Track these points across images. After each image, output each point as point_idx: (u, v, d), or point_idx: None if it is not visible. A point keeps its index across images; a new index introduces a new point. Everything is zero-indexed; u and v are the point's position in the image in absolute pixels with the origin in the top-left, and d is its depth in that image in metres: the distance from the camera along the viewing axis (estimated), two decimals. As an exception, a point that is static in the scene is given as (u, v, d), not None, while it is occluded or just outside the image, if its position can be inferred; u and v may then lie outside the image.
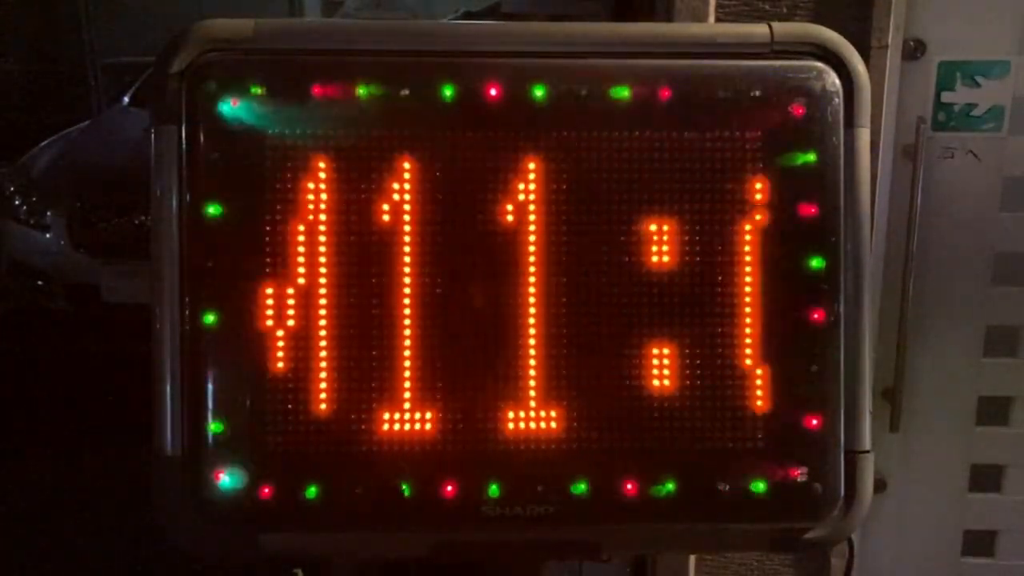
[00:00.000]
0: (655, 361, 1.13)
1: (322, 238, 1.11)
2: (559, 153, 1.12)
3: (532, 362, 1.12)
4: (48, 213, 4.37)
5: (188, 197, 1.11)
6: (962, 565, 1.92)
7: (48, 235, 4.35)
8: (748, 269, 1.13)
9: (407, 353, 1.12)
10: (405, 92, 1.10)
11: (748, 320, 1.13)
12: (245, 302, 1.11)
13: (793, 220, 1.13)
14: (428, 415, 1.12)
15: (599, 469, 1.12)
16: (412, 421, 1.12)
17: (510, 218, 1.12)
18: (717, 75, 1.13)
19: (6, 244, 4.47)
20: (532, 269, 1.12)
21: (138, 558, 2.73)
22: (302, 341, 1.11)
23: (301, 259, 1.11)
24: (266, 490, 1.10)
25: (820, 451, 1.14)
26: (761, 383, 1.14)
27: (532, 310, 1.12)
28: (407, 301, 1.11)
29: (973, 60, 1.67)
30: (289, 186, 1.11)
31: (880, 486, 1.80)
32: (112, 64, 9.09)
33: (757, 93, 1.12)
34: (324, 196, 1.11)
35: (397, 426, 1.12)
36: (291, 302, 1.11)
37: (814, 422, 1.14)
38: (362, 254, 1.12)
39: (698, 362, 1.14)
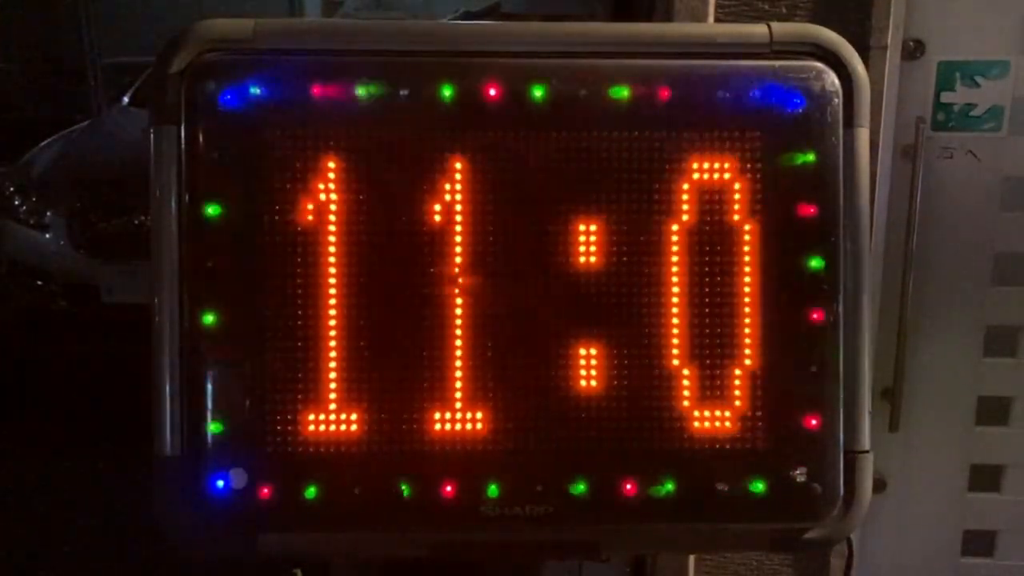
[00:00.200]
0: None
1: (322, 238, 1.11)
2: (561, 154, 1.12)
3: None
4: (48, 213, 4.37)
5: (188, 197, 1.10)
6: (962, 565, 1.92)
7: (48, 235, 4.35)
8: (748, 269, 1.13)
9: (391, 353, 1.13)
10: (404, 92, 1.10)
11: (748, 320, 1.13)
12: (244, 302, 1.11)
13: (792, 220, 1.13)
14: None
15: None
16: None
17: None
18: (716, 75, 1.13)
19: (6, 244, 4.46)
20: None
21: (138, 558, 2.73)
22: (301, 341, 1.11)
23: (300, 259, 1.11)
24: (265, 490, 1.10)
25: (819, 451, 1.14)
26: (761, 383, 1.14)
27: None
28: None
29: (972, 60, 1.67)
30: (288, 186, 1.11)
31: (880, 486, 1.81)
32: (112, 64, 9.09)
33: (756, 93, 1.12)
34: (323, 196, 1.11)
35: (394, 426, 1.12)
36: (291, 302, 1.11)
37: (813, 422, 1.14)
38: (363, 255, 1.12)
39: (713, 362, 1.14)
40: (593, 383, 1.13)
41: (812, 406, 1.14)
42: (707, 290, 1.13)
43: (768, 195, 1.13)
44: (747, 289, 1.13)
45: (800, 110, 1.12)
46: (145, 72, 4.87)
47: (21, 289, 4.48)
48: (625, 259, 1.13)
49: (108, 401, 3.65)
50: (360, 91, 1.10)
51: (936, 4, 1.65)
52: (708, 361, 1.14)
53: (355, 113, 1.11)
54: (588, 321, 1.13)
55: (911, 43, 1.66)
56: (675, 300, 1.13)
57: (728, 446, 1.14)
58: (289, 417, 1.11)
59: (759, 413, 1.14)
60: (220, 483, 1.10)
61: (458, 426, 1.13)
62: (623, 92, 1.11)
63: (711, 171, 1.13)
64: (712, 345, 1.14)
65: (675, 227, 1.13)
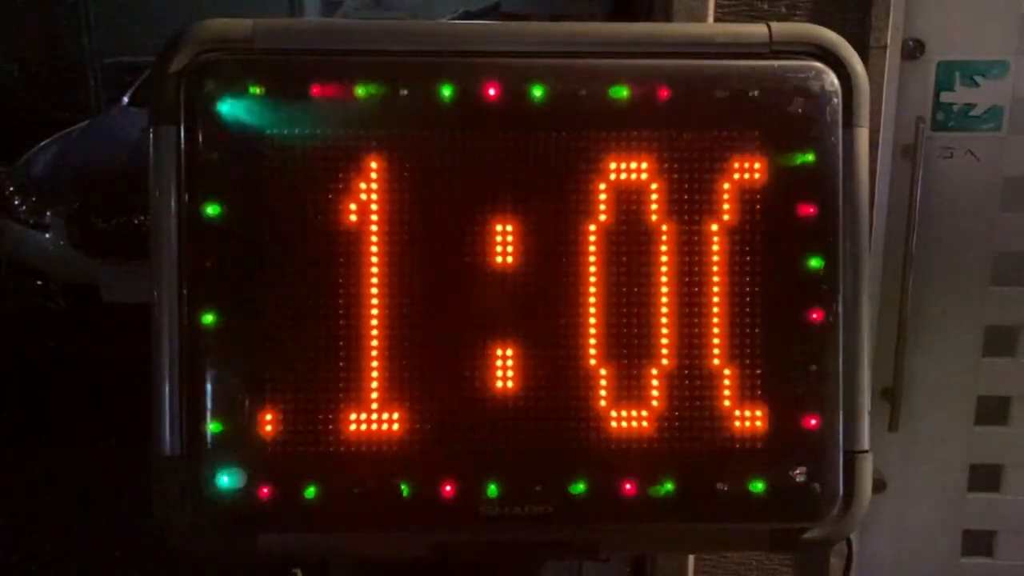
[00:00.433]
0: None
1: (322, 237, 1.11)
2: (557, 154, 1.12)
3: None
4: (47, 213, 4.37)
5: (187, 197, 1.10)
6: (961, 565, 1.92)
7: (47, 235, 4.35)
8: (747, 269, 1.13)
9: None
10: (404, 92, 1.10)
11: (747, 320, 1.14)
12: (244, 302, 1.11)
13: (792, 220, 1.13)
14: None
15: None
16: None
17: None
18: (716, 75, 1.13)
19: (6, 244, 4.46)
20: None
21: (137, 558, 2.74)
22: (301, 341, 1.11)
23: (299, 259, 1.11)
24: (265, 490, 1.10)
25: (819, 451, 1.14)
26: (762, 383, 1.14)
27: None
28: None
29: (972, 60, 1.67)
30: (288, 186, 1.11)
31: (879, 486, 1.81)
32: (112, 64, 9.09)
33: (756, 93, 1.12)
34: (323, 196, 1.11)
35: (387, 426, 1.12)
36: (291, 302, 1.11)
37: (813, 422, 1.14)
38: (367, 254, 1.12)
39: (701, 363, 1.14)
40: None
41: (811, 406, 1.14)
42: (696, 289, 1.14)
43: (768, 195, 1.13)
44: (758, 289, 1.13)
45: (799, 110, 1.12)
46: (145, 72, 4.88)
47: (20, 289, 4.48)
48: (625, 259, 1.13)
49: (108, 401, 3.66)
50: (359, 91, 1.10)
51: (936, 4, 1.65)
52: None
53: (354, 113, 1.11)
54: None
55: (911, 43, 1.66)
56: (671, 299, 1.14)
57: (727, 446, 1.14)
58: (288, 417, 1.11)
59: (759, 413, 1.14)
60: (220, 483, 1.10)
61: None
62: (622, 92, 1.11)
63: (711, 171, 1.13)
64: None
65: (664, 228, 1.13)
